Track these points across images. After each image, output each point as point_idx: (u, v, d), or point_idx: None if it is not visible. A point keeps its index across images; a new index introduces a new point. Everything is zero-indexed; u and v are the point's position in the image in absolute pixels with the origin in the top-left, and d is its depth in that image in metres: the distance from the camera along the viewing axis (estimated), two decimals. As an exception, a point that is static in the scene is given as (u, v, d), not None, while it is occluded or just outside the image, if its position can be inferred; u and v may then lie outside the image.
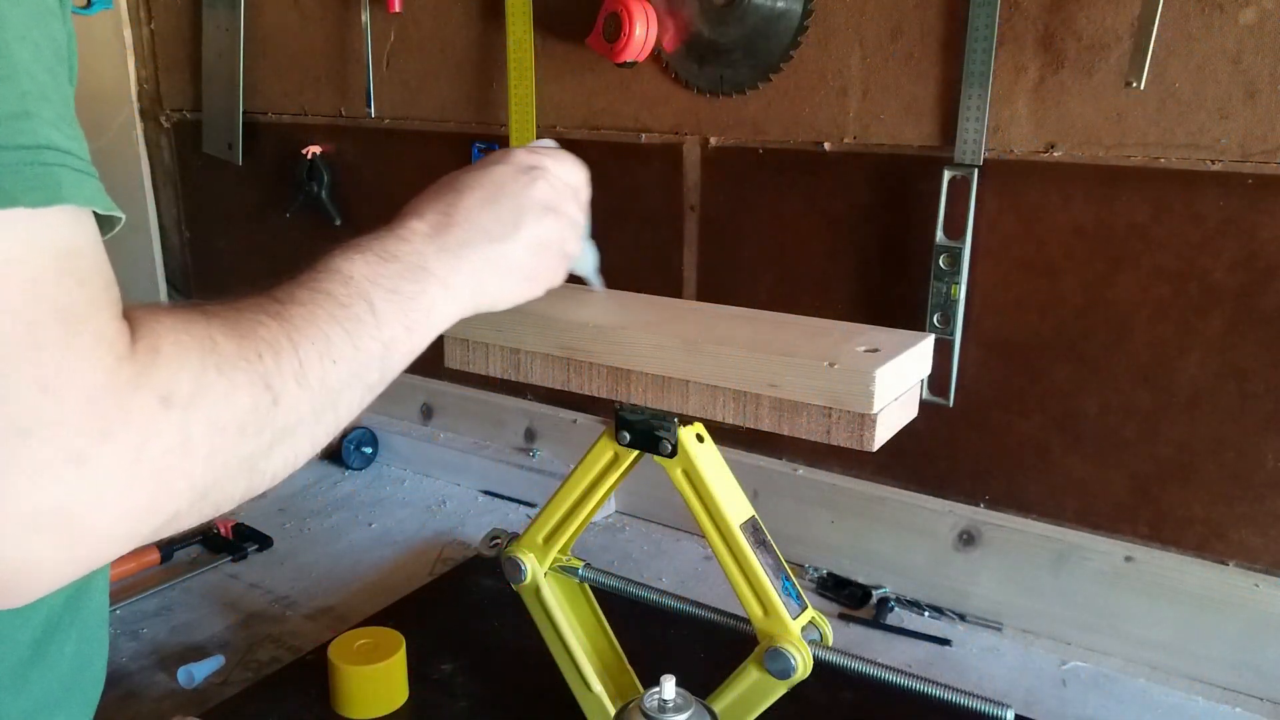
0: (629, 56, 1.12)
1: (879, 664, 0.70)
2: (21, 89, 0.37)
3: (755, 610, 0.71)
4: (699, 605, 0.76)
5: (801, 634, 0.70)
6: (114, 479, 0.38)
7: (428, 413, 1.51)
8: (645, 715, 0.66)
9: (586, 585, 0.81)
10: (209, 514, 0.45)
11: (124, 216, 0.42)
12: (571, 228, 0.67)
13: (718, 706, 0.72)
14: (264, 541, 1.22)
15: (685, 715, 0.66)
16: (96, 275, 0.40)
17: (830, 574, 1.14)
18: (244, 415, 0.44)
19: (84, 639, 0.55)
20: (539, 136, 1.25)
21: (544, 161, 0.66)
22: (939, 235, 1.01)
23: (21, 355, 0.36)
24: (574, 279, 0.73)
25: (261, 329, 0.47)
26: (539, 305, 0.67)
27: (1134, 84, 0.88)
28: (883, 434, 0.63)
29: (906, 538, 1.10)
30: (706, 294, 1.18)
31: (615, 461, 0.75)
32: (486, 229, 0.62)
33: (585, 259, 0.74)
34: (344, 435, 1.44)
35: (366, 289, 0.54)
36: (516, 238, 0.63)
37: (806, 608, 0.72)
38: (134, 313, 0.42)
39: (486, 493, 1.38)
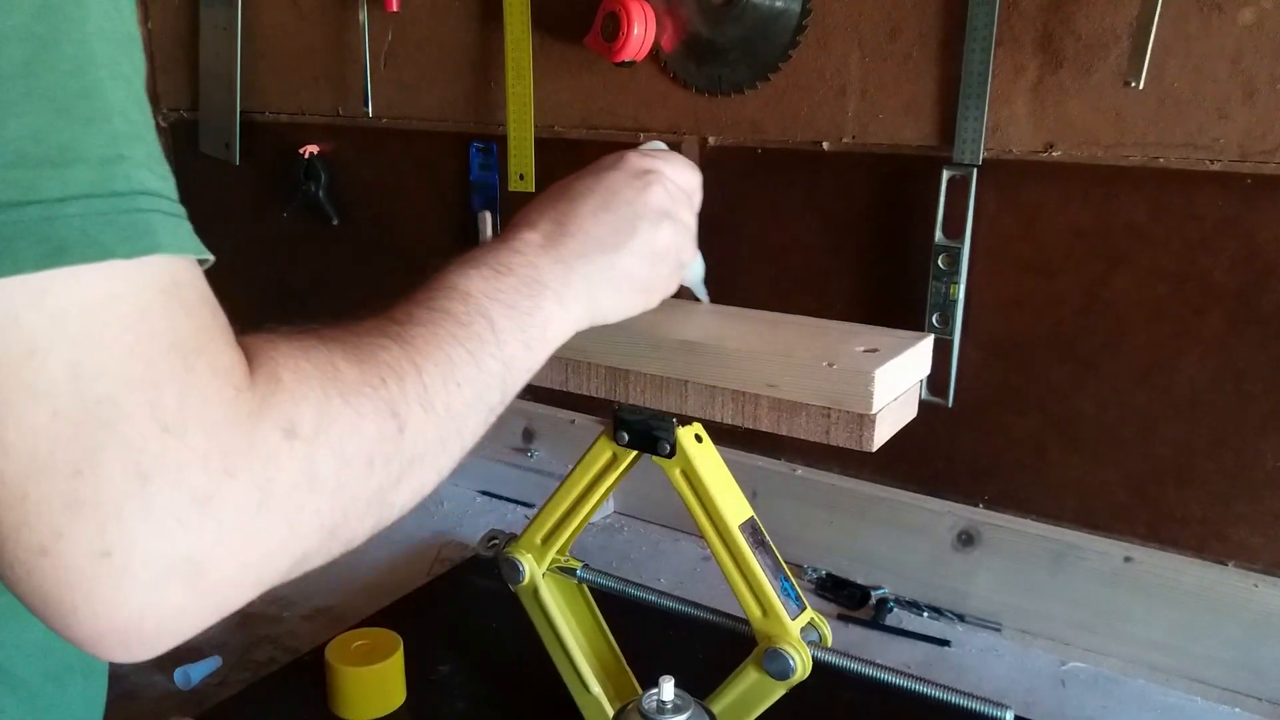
0: (627, 56, 1.12)
1: (878, 665, 0.70)
2: (114, 130, 0.35)
3: (754, 611, 0.71)
4: (698, 606, 0.76)
5: (800, 635, 0.70)
6: (240, 519, 0.36)
7: (425, 413, 1.50)
8: (644, 716, 0.66)
9: (585, 586, 0.81)
10: (336, 553, 0.43)
11: (214, 258, 0.39)
12: (687, 235, 0.64)
13: (716, 708, 0.71)
14: (261, 542, 1.21)
15: (684, 716, 0.66)
16: (202, 305, 0.38)
17: (829, 574, 1.14)
18: (371, 445, 0.42)
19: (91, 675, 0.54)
20: (536, 137, 1.25)
21: (658, 165, 0.64)
22: (938, 235, 1.01)
23: (140, 395, 0.34)
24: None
25: (383, 353, 0.45)
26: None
27: (1133, 84, 0.87)
28: (882, 434, 0.63)
29: (905, 538, 1.10)
30: (705, 294, 1.18)
31: (613, 462, 0.75)
32: (600, 238, 0.59)
33: (692, 269, 0.71)
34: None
35: (485, 305, 0.52)
36: (631, 247, 0.60)
37: (805, 608, 0.72)
38: (248, 341, 0.40)
39: (484, 493, 1.37)
